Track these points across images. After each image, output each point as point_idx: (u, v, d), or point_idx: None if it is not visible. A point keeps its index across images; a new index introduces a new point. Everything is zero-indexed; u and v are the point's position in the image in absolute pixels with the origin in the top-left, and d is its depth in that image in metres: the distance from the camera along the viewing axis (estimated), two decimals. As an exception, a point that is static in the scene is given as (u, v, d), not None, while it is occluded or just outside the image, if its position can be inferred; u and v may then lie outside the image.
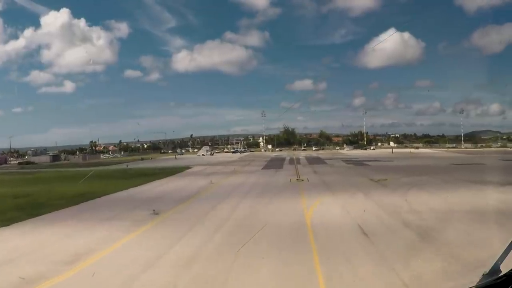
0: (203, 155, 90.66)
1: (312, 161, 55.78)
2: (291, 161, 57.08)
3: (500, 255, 2.56)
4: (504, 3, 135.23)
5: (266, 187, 24.70)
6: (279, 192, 21.85)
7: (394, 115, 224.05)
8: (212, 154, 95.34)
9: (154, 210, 15.99)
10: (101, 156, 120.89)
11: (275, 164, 50.64)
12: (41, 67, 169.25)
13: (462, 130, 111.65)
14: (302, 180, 27.86)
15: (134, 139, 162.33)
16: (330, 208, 16.11)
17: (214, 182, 28.31)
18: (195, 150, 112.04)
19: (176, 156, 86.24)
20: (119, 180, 31.94)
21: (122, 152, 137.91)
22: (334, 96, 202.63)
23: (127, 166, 54.38)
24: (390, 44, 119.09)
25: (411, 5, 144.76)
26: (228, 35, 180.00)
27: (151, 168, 49.43)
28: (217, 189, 24.49)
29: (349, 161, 52.37)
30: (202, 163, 58.96)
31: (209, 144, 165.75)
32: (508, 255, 2.58)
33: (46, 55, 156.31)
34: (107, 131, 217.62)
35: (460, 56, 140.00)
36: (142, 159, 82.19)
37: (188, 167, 48.17)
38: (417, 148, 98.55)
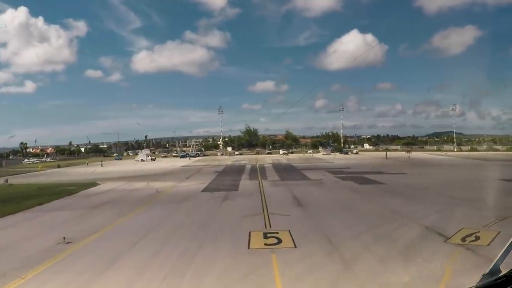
0: (142, 160, 71.59)
1: (285, 173, 38.43)
2: (253, 173, 39.55)
3: (500, 255, 2.34)
4: (464, 4, 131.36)
5: (184, 274, 8.29)
6: None
7: (356, 117, 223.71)
8: (154, 159, 76.00)
9: None
10: (25, 160, 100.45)
11: (227, 179, 32.95)
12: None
13: (454, 131, 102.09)
14: (277, 240, 11.15)
15: (88, 141, 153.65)
16: None
17: (72, 241, 11.80)
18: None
19: (103, 162, 66.65)
20: None
21: (57, 156, 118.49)
22: (297, 97, 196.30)
23: (7, 181, 36.05)
24: (352, 46, 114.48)
25: (373, 6, 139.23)
26: (189, 35, 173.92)
27: (38, 184, 33.17)
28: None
29: (340, 172, 35.63)
30: (127, 174, 41.24)
31: (166, 146, 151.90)
32: (508, 255, 2.35)
33: (3, 54, 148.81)
34: (66, 132, 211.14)
35: (420, 58, 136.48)
36: (59, 166, 62.77)
37: (94, 184, 31.42)
38: (408, 151, 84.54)
